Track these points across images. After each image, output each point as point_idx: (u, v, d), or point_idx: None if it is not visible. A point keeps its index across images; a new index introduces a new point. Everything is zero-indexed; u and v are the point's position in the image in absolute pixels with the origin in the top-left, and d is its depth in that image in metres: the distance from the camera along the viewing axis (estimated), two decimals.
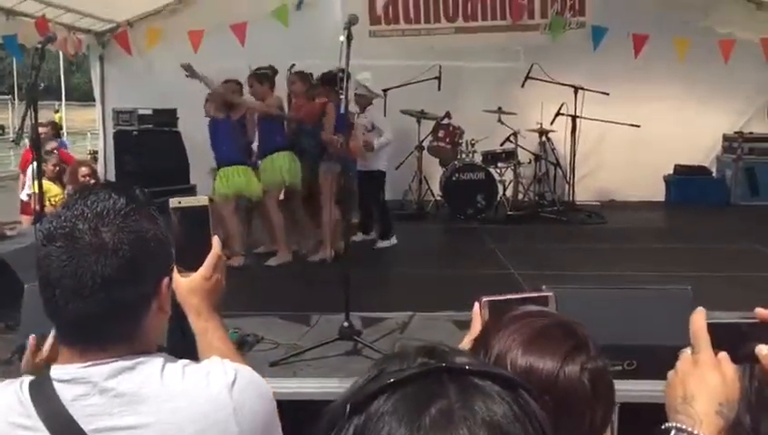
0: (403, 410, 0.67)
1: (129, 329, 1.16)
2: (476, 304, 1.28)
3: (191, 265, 1.40)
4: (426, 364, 0.71)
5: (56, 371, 1.16)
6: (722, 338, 1.04)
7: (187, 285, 1.40)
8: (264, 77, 6.15)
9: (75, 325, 1.14)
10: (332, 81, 6.16)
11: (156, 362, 1.17)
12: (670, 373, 1.07)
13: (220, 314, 1.44)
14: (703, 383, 1.02)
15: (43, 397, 1.14)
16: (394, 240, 6.97)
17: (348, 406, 0.70)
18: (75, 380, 1.14)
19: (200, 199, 1.47)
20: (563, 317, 1.17)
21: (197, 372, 1.18)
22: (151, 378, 1.15)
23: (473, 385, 0.69)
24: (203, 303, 1.40)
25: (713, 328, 1.04)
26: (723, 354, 1.03)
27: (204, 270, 1.41)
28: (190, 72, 5.92)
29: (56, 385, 1.14)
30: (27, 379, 1.18)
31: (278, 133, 6.31)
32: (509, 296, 1.25)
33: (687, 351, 1.06)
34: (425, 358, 0.73)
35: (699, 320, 1.05)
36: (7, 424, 1.13)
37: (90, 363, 1.14)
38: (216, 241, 1.43)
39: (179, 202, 1.43)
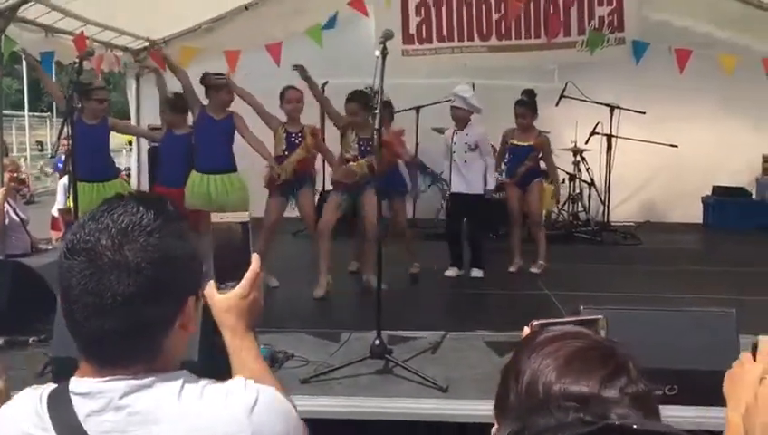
0: None
1: (149, 347, 1.13)
2: (526, 328, 1.22)
3: (229, 281, 1.36)
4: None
5: (74, 383, 1.14)
6: None
7: (224, 302, 1.35)
8: None
9: (94, 341, 1.11)
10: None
11: (175, 381, 1.13)
12: (749, 400, 1.00)
13: (255, 332, 1.39)
14: None
15: (60, 410, 1.12)
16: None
17: None
18: (92, 394, 1.11)
19: (241, 215, 1.43)
20: (602, 338, 1.10)
21: (217, 393, 1.14)
22: (168, 397, 1.11)
23: None
24: (239, 321, 1.35)
25: None
26: None
27: (241, 288, 1.36)
28: (303, 73, 5.91)
29: (73, 398, 1.12)
30: (48, 389, 1.16)
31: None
32: (561, 320, 1.20)
33: None
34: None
35: None
36: (21, 433, 1.12)
37: (107, 379, 1.11)
38: (255, 258, 1.39)
39: (221, 217, 1.40)
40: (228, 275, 1.36)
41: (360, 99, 5.82)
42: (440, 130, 8.13)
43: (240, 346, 1.35)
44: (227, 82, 6.08)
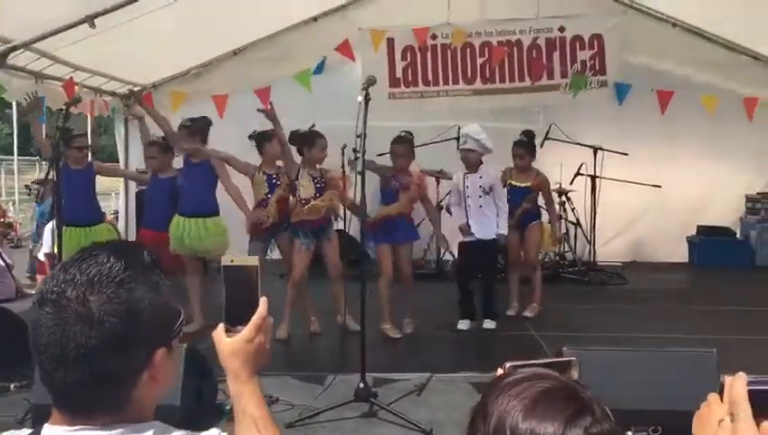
0: None
1: (115, 398, 1.12)
2: (500, 369, 1.24)
3: (238, 325, 1.36)
4: None
5: (47, 430, 1.14)
6: (762, 404, 0.97)
7: (230, 347, 1.33)
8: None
9: (60, 392, 1.11)
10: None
11: (145, 432, 1.12)
12: None
13: (259, 377, 1.37)
14: None
15: None
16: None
17: None
18: None
19: (251, 259, 1.43)
20: (567, 380, 1.12)
21: None
22: None
23: None
24: (244, 366, 1.33)
25: (753, 394, 0.98)
26: (766, 424, 0.97)
27: (247, 332, 1.34)
28: (268, 115, 5.78)
29: None
30: (26, 433, 1.17)
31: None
32: (532, 361, 1.21)
33: (727, 419, 1.00)
34: None
35: (740, 385, 0.99)
36: None
37: (77, 428, 1.11)
38: (263, 302, 1.37)
39: (231, 260, 1.40)
40: (238, 318, 1.35)
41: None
42: (427, 172, 8.05)
43: (242, 391, 1.33)
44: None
